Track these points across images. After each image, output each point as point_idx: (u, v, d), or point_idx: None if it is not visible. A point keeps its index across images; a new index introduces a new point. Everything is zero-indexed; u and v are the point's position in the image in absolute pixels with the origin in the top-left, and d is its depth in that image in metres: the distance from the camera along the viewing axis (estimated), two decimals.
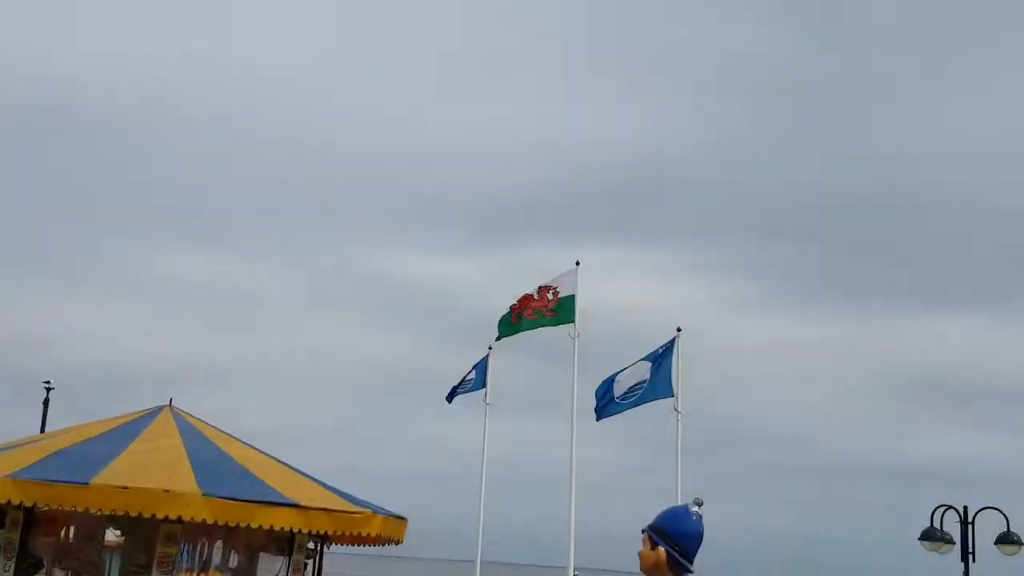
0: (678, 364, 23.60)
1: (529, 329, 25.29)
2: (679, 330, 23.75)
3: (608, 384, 23.81)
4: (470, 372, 28.28)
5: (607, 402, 23.63)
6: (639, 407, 23.62)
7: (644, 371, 23.54)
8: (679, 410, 23.17)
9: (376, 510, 15.11)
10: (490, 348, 27.89)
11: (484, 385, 27.94)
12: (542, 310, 25.50)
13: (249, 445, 16.30)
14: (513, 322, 25.68)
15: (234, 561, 15.37)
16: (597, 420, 23.66)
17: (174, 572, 14.03)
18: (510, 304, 25.82)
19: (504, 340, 25.88)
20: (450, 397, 28.50)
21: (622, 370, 23.78)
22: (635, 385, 23.55)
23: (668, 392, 23.29)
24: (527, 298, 25.65)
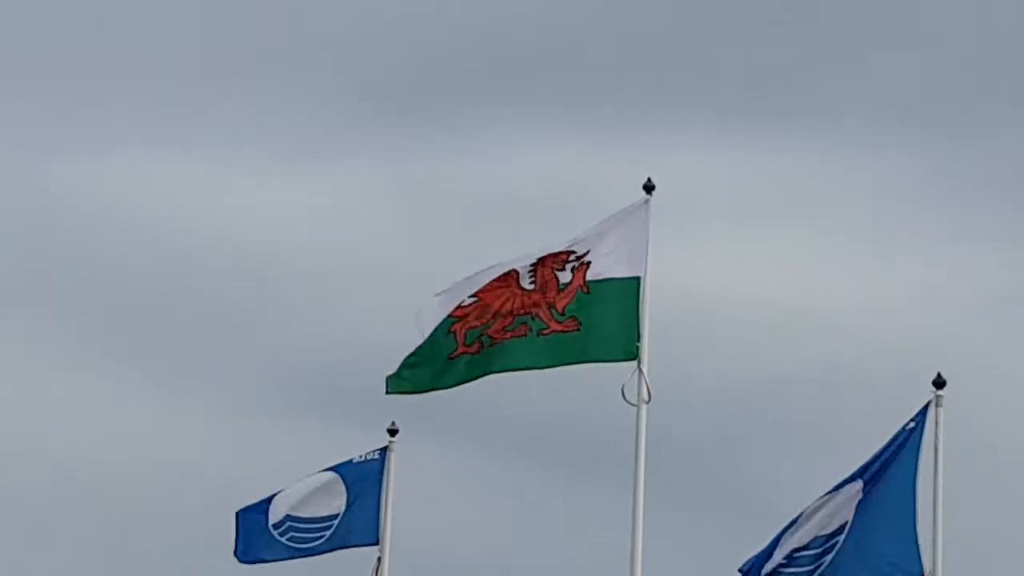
0: (936, 478, 12.71)
1: (507, 369, 13.09)
2: (939, 387, 12.92)
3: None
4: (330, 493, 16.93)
5: None
6: None
7: (850, 499, 13.06)
8: None
9: None
10: (392, 432, 16.78)
11: (376, 539, 16.34)
12: (543, 317, 12.75)
13: None
14: (463, 352, 13.03)
15: None
16: None
17: None
18: (448, 299, 13.17)
19: (428, 399, 13.70)
20: (253, 553, 16.35)
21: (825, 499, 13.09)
22: (819, 537, 13.02)
23: (913, 555, 12.40)
24: (505, 285, 13.02)
